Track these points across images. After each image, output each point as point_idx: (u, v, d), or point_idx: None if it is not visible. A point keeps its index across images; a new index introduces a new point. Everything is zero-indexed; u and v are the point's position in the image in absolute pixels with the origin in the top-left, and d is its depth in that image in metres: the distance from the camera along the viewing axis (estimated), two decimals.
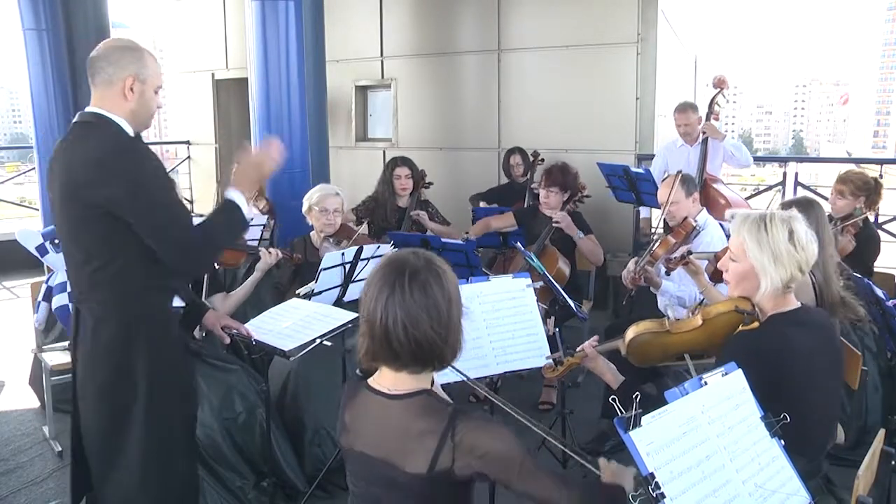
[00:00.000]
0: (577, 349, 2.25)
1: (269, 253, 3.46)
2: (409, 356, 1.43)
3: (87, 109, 2.07)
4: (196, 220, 2.28)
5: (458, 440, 1.40)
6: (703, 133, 4.70)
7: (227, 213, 2.18)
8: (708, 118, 4.73)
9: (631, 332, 2.17)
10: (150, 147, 2.18)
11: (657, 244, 3.29)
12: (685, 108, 4.95)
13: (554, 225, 4.00)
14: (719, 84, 4.68)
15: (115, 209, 1.95)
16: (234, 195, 2.17)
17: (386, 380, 1.50)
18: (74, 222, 2.04)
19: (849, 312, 2.45)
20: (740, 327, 1.99)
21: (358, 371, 1.59)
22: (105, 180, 1.94)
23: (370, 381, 1.54)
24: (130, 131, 2.08)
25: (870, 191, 3.77)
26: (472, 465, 1.42)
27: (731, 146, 4.80)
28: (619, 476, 1.55)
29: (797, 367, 1.86)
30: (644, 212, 5.38)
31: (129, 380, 2.06)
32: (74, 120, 2.09)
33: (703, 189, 4.61)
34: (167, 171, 2.21)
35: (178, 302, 2.20)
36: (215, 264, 3.29)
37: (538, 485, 1.45)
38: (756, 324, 1.96)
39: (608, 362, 2.18)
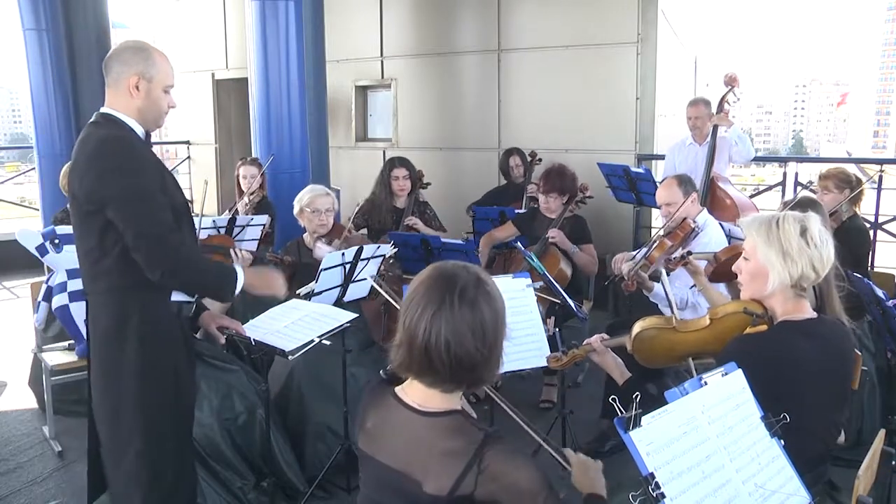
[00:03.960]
0: (584, 342, 2.23)
1: (237, 255, 3.45)
2: (448, 375, 1.39)
3: (101, 110, 2.13)
4: (195, 221, 2.29)
5: (485, 467, 1.35)
6: (714, 125, 4.67)
7: (224, 268, 2.26)
8: (718, 114, 4.72)
9: (637, 327, 2.13)
10: (152, 146, 2.23)
11: (654, 247, 3.24)
12: (697, 102, 4.95)
13: (549, 241, 4.00)
14: (731, 82, 4.65)
15: (104, 209, 2.01)
16: (240, 273, 2.23)
17: (415, 393, 1.45)
18: (77, 218, 2.13)
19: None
20: (747, 329, 1.93)
21: (382, 373, 1.55)
22: (94, 179, 2.01)
23: (398, 390, 1.48)
24: (140, 130, 2.13)
25: (851, 184, 3.79)
26: (494, 494, 1.37)
27: (736, 136, 4.78)
28: (587, 469, 1.61)
29: (795, 379, 1.80)
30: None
31: (120, 373, 2.10)
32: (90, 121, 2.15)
33: (710, 188, 4.60)
34: (167, 173, 2.21)
35: (179, 297, 2.18)
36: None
37: None
38: (764, 327, 1.90)
39: (616, 358, 2.16)
